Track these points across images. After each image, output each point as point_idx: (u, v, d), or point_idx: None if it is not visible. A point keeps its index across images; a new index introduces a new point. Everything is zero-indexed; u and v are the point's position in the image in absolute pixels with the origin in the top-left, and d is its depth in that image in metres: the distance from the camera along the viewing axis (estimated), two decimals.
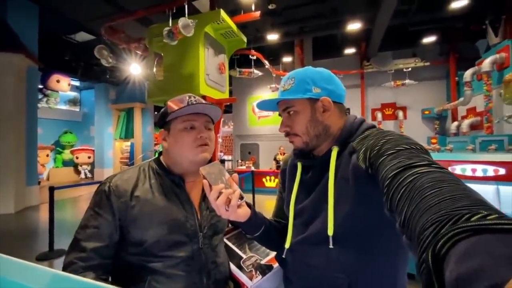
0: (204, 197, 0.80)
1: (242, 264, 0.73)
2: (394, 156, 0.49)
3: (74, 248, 0.69)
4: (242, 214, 0.63)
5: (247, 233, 0.74)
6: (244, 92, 10.62)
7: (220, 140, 11.24)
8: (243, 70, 7.80)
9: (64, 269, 0.67)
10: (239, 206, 0.61)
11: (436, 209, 0.29)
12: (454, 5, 6.23)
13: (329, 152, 0.67)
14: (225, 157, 12.32)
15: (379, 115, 9.59)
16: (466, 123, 6.95)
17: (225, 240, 0.82)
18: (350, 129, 0.68)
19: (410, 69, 8.79)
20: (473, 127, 6.87)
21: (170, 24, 3.32)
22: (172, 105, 0.77)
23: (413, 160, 0.44)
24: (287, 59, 9.58)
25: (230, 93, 5.02)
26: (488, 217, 0.24)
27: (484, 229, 0.22)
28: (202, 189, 0.81)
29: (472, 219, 0.24)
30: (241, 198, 0.61)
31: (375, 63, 9.28)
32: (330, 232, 0.60)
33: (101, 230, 0.69)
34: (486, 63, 5.69)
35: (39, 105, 7.33)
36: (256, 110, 10.51)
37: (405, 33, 8.07)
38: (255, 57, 7.15)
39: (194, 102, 0.77)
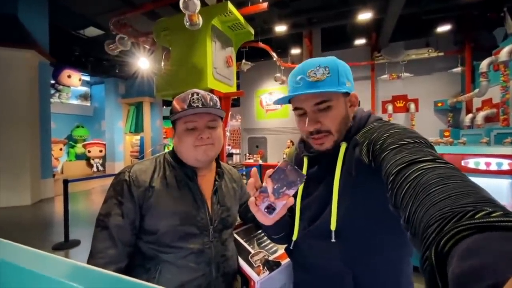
0: (215, 191, 0.82)
1: (250, 259, 0.74)
2: (397, 150, 0.48)
3: (102, 237, 0.71)
4: (261, 218, 0.59)
5: (264, 231, 0.74)
6: (252, 86, 10.57)
7: (228, 134, 11.27)
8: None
9: (91, 257, 0.70)
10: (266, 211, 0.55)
11: (441, 206, 0.29)
12: None
13: (337, 147, 0.66)
14: (233, 151, 12.38)
15: (389, 108, 9.40)
16: (481, 115, 6.73)
17: (234, 234, 0.83)
18: (359, 123, 0.67)
19: (406, 61, 8.64)
20: (488, 119, 6.64)
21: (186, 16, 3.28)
22: (176, 104, 0.78)
23: (417, 155, 0.43)
24: (295, 51, 9.44)
25: (238, 86, 5.00)
26: (493, 215, 0.23)
27: (488, 227, 0.22)
28: (214, 183, 0.83)
29: (476, 216, 0.24)
30: (270, 209, 0.54)
31: (387, 54, 9.04)
32: (333, 226, 0.61)
33: (126, 218, 0.72)
34: (504, 53, 5.45)
35: (51, 100, 7.50)
36: (264, 103, 10.48)
37: (417, 22, 7.79)
38: (246, 48, 7.03)
39: (196, 102, 0.76)
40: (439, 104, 8.79)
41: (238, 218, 0.90)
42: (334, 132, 0.64)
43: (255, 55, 8.90)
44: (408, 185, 0.38)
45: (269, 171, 0.55)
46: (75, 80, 9.00)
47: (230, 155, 11.29)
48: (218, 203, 0.81)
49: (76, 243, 3.33)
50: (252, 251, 0.76)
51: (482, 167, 2.29)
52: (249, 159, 8.76)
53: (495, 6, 6.46)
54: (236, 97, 4.88)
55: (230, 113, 7.58)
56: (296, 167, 0.53)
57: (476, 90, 6.69)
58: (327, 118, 0.63)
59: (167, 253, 0.73)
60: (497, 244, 0.20)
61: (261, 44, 6.91)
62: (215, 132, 0.78)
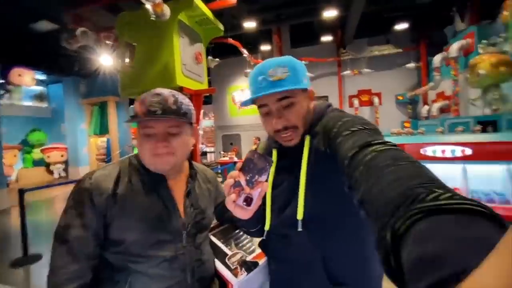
0: (188, 194, 0.78)
1: (227, 261, 0.73)
2: (350, 136, 0.53)
3: (62, 251, 0.65)
4: (240, 213, 0.58)
5: (242, 226, 0.75)
6: (224, 82, 10.45)
7: (201, 132, 11.06)
8: None
9: (51, 273, 0.64)
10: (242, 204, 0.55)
11: (394, 186, 0.30)
12: None
13: (301, 140, 0.70)
14: (207, 149, 12.17)
15: (355, 102, 9.87)
16: (435, 106, 7.34)
17: (210, 236, 0.81)
18: (318, 116, 0.72)
19: (366, 58, 9.24)
20: (442, 110, 7.27)
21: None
22: (136, 107, 0.72)
23: (369, 138, 0.47)
24: (265, 47, 9.49)
25: (209, 83, 4.86)
26: (441, 197, 0.25)
27: (437, 210, 0.23)
28: (186, 185, 0.80)
29: (427, 199, 0.25)
30: (247, 201, 0.55)
31: (351, 50, 9.45)
32: (299, 216, 0.65)
33: (88, 229, 0.67)
34: (453, 49, 5.98)
35: (1, 101, 6.75)
36: (236, 100, 10.44)
37: (379, 20, 8.24)
38: (212, 45, 6.97)
39: (155, 106, 0.68)
40: (400, 98, 9.43)
41: (215, 219, 0.88)
42: (300, 127, 0.69)
43: (226, 52, 8.79)
44: (362, 166, 0.40)
45: (239, 165, 0.56)
46: (27, 79, 8.19)
47: (204, 153, 11.10)
48: (192, 206, 0.78)
49: (37, 257, 3.06)
50: (229, 253, 0.75)
51: (439, 154, 2.50)
52: (224, 156, 8.69)
53: (446, 5, 7.04)
54: (208, 94, 4.79)
55: (202, 111, 7.39)
56: (262, 154, 0.56)
57: (431, 84, 7.27)
58: (292, 114, 0.67)
59: (137, 262, 0.68)
60: (447, 229, 0.21)
61: (231, 40, 6.84)
62: (176, 139, 0.71)
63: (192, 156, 0.83)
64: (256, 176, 0.54)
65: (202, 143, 12.21)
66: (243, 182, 0.54)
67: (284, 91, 0.65)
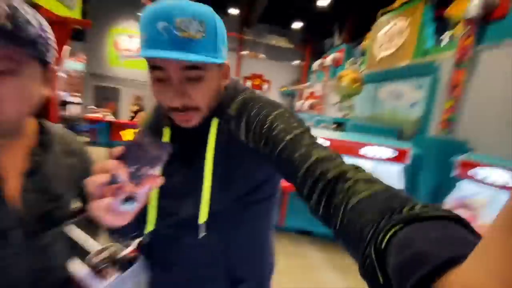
0: (30, 173, 0.51)
1: (91, 262, 0.51)
2: (297, 145, 0.46)
3: None
4: (116, 220, 0.37)
5: (114, 233, 0.55)
6: (106, 20, 8.39)
7: (63, 75, 8.57)
8: None
9: None
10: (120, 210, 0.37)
11: (372, 209, 0.31)
12: (319, 3, 7.32)
13: (207, 122, 0.56)
14: (72, 100, 9.60)
15: (248, 84, 10.44)
16: (307, 103, 8.83)
17: (67, 229, 0.54)
18: (229, 95, 0.58)
19: (263, 44, 10.10)
20: (312, 107, 8.83)
21: None
22: None
23: (325, 152, 0.45)
24: None
25: (85, 14, 3.62)
26: (415, 207, 0.26)
27: (413, 219, 0.24)
28: (29, 158, 0.51)
29: (403, 211, 0.27)
30: (129, 201, 0.37)
31: (253, 33, 9.78)
32: (202, 217, 0.54)
33: None
34: (328, 59, 7.29)
35: None
36: (121, 46, 8.71)
37: (283, 12, 8.83)
38: None
39: None
40: (283, 89, 10.75)
41: (76, 205, 0.61)
42: (204, 108, 0.54)
43: None
44: (340, 194, 0.37)
45: (117, 151, 0.37)
46: None
47: (65, 103, 8.72)
48: (36, 190, 0.51)
49: None
50: (94, 250, 0.53)
51: None
52: (94, 112, 7.17)
53: (331, 20, 8.38)
54: (79, 27, 3.66)
55: (68, 48, 5.65)
56: (156, 138, 0.40)
57: (307, 83, 8.66)
58: (198, 92, 0.51)
59: None
60: (424, 232, 0.22)
61: None
62: (3, 83, 0.42)
63: (44, 114, 0.54)
64: (146, 168, 0.38)
65: (65, 90, 9.55)
66: (125, 177, 0.36)
67: (195, 60, 0.47)
